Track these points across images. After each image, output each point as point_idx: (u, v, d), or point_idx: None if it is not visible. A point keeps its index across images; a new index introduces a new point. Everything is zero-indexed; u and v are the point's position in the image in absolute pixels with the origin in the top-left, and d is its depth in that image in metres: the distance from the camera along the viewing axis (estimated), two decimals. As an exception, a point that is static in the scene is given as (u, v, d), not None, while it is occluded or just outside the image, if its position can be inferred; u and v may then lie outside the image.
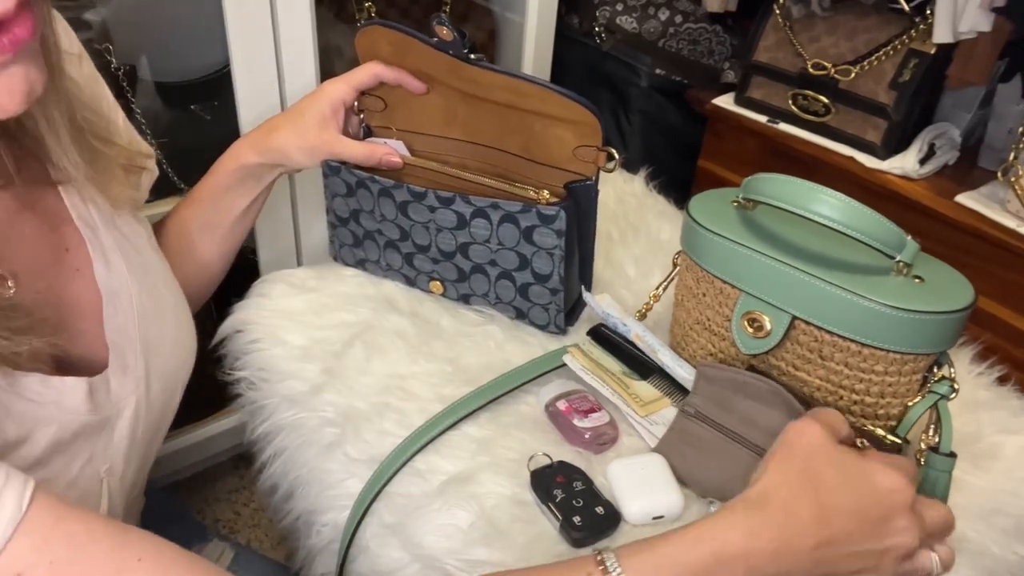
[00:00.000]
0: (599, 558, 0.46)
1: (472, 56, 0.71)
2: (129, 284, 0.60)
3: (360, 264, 0.87)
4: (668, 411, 0.71)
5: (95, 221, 0.60)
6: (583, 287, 0.79)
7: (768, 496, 0.48)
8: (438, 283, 0.82)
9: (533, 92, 0.71)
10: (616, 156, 0.71)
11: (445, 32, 0.70)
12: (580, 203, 0.75)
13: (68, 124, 0.56)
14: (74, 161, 0.57)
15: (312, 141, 0.76)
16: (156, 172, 0.74)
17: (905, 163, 1.19)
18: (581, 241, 0.78)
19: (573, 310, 0.82)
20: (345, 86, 0.77)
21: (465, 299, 0.82)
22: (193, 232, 0.79)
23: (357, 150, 0.78)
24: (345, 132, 0.79)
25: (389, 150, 0.78)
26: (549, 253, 0.74)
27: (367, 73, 0.77)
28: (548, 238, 0.73)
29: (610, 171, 0.72)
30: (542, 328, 0.80)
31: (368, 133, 0.83)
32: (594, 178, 0.74)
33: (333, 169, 0.81)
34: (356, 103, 0.80)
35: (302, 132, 0.76)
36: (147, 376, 0.59)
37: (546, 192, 0.74)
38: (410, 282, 0.85)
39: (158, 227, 0.80)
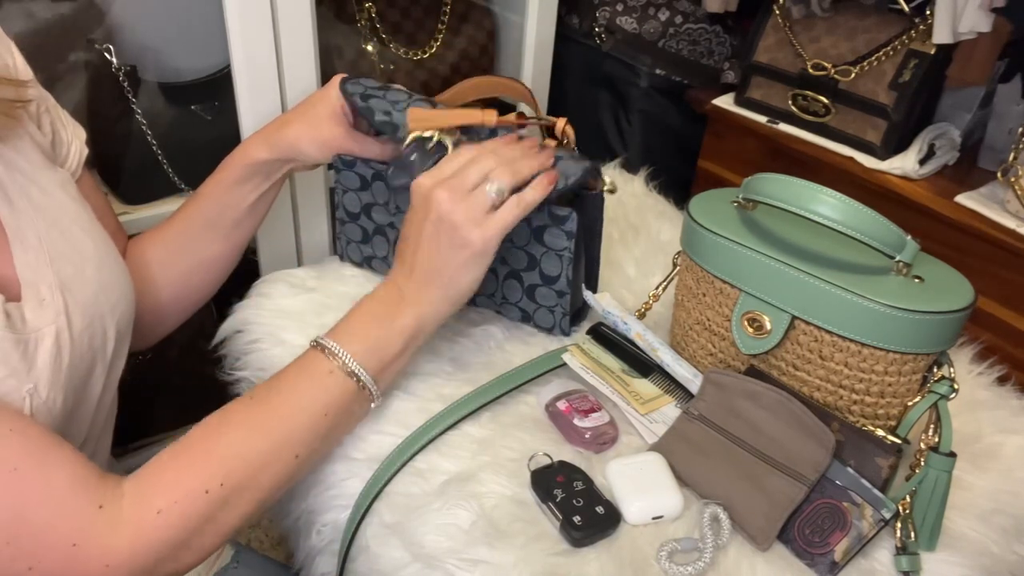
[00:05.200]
0: (319, 346, 0.63)
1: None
2: (36, 223, 0.61)
3: (367, 262, 0.86)
4: (668, 409, 0.71)
5: None
6: (584, 288, 0.79)
7: (414, 268, 0.66)
8: None
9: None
10: (610, 186, 0.74)
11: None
12: (587, 214, 0.75)
13: None
14: None
15: (325, 134, 0.76)
16: (65, 117, 0.72)
17: (905, 163, 1.19)
18: (588, 248, 0.78)
19: (577, 314, 0.82)
20: None
21: (471, 300, 0.82)
22: (196, 228, 0.79)
23: (370, 143, 0.78)
24: (358, 127, 0.79)
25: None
26: (558, 255, 0.74)
27: None
28: (559, 239, 0.73)
29: (612, 192, 0.74)
30: (547, 331, 0.80)
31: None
32: (600, 189, 0.74)
33: (347, 163, 0.80)
34: None
35: (315, 125, 0.76)
36: (67, 311, 0.60)
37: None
38: None
39: (164, 224, 0.80)
